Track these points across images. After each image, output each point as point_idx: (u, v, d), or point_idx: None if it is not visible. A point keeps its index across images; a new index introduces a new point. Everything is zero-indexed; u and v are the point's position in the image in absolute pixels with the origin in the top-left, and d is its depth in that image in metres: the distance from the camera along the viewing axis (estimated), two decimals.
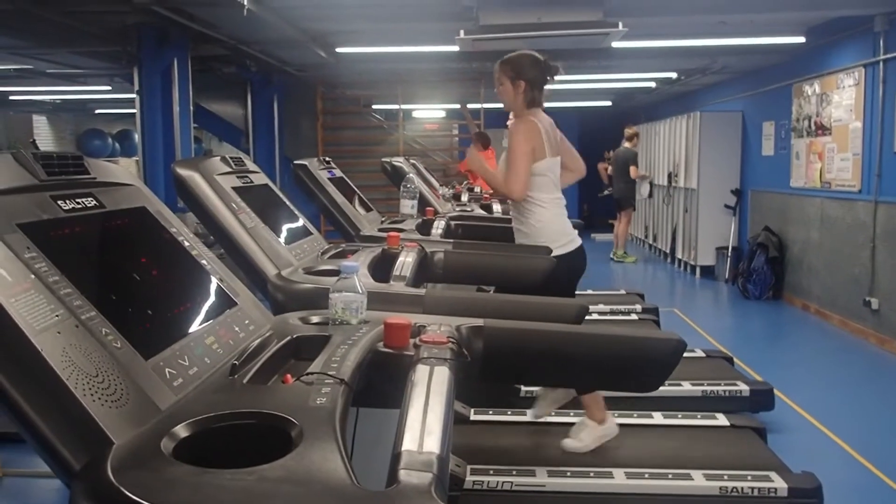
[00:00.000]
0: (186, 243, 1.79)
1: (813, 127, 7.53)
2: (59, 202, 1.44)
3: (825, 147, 7.27)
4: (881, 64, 6.25)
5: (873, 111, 6.40)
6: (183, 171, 2.47)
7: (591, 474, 3.03)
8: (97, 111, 15.45)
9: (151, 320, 1.45)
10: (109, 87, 10.62)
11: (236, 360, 1.47)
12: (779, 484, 2.94)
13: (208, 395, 1.35)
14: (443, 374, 1.45)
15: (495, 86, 3.36)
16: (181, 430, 1.20)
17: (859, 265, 6.64)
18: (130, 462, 1.10)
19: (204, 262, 1.80)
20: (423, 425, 1.22)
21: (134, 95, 6.92)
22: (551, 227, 3.30)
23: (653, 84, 11.23)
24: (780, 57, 8.09)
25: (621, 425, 3.58)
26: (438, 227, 4.07)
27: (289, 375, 1.46)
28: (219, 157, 2.69)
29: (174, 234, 1.78)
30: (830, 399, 4.96)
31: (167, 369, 1.35)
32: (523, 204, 3.30)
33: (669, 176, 10.88)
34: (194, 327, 1.55)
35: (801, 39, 7.15)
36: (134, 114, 7.11)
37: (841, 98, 6.96)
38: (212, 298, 1.72)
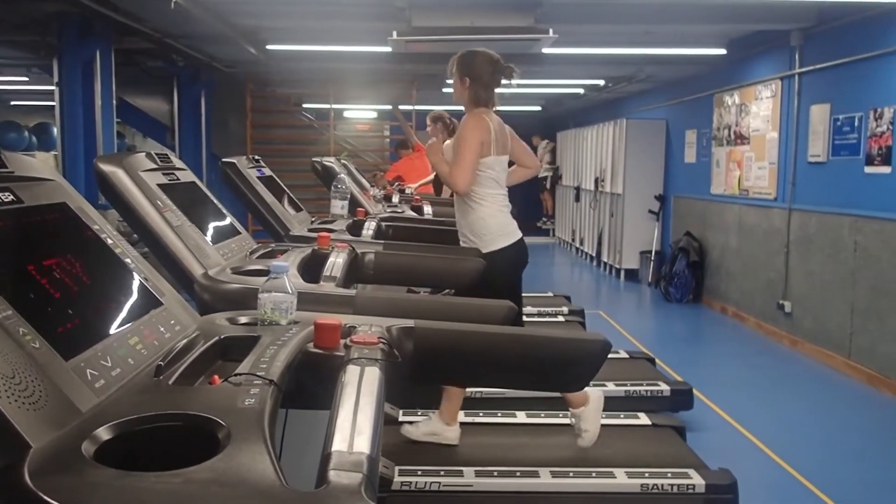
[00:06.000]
0: (109, 241, 1.74)
1: (732, 136, 7.80)
2: None
3: (743, 156, 7.55)
4: (797, 77, 6.54)
5: (789, 122, 6.69)
6: (106, 167, 2.39)
7: (518, 474, 3.07)
8: (13, 102, 14.82)
9: (72, 320, 1.40)
10: (27, 78, 10.20)
11: (161, 361, 1.43)
12: (697, 481, 3.05)
13: (132, 397, 1.31)
14: (373, 375, 1.45)
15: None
16: (103, 433, 1.17)
17: (774, 270, 6.92)
18: (49, 466, 1.06)
19: (128, 260, 1.75)
20: (354, 426, 1.21)
21: (53, 87, 6.67)
22: (493, 221, 3.34)
23: (581, 91, 11.44)
24: (702, 68, 8.36)
25: (548, 425, 3.64)
26: (369, 228, 4.04)
27: (216, 377, 1.43)
28: (144, 154, 2.61)
29: (97, 231, 1.72)
30: (746, 398, 5.16)
31: (88, 370, 1.31)
32: (466, 199, 3.35)
33: (596, 181, 11.11)
34: (117, 327, 1.51)
35: (723, 51, 7.41)
36: (53, 106, 6.85)
37: (759, 109, 7.25)
38: (136, 298, 1.67)
